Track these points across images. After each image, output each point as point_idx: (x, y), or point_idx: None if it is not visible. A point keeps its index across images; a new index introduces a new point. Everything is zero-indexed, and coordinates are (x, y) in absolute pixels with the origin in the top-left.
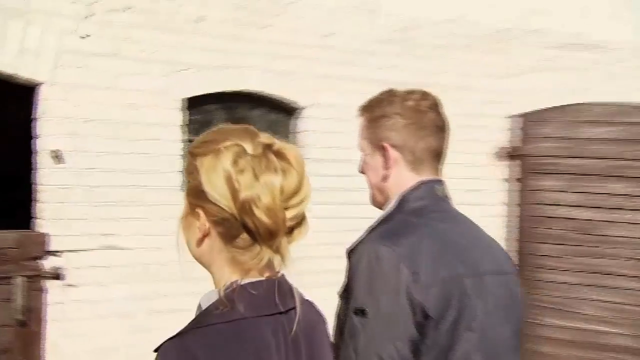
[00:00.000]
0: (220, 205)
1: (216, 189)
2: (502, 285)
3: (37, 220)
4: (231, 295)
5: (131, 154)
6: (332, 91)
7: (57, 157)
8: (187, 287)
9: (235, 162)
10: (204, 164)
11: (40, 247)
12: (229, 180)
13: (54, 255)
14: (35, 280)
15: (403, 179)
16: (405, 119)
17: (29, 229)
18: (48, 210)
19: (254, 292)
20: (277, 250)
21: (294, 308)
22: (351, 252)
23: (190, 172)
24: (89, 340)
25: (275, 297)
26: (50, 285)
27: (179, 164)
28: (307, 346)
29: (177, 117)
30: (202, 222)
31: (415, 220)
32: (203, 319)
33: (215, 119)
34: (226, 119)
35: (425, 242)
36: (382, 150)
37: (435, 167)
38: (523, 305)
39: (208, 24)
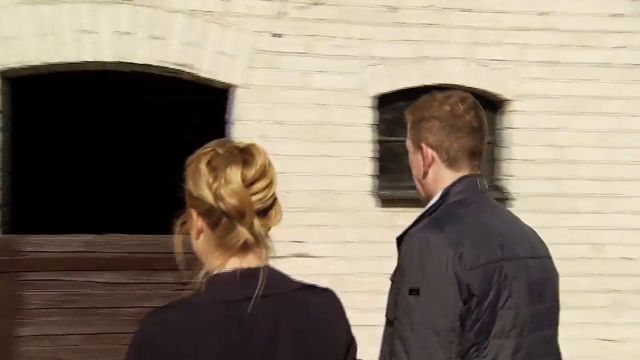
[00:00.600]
0: (202, 199)
1: (197, 186)
2: (538, 268)
3: None
4: (204, 283)
5: (322, 157)
6: (546, 81)
7: None
8: (378, 302)
9: (209, 162)
10: (189, 170)
11: None
12: (205, 176)
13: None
14: None
15: (440, 175)
16: (441, 121)
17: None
18: None
19: (219, 282)
20: (251, 230)
21: (270, 296)
22: (401, 240)
23: (183, 181)
24: None
25: (238, 287)
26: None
27: (369, 166)
28: (300, 335)
29: (368, 116)
30: (195, 219)
31: (458, 210)
32: (175, 301)
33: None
34: None
35: (468, 230)
36: (421, 149)
37: (473, 163)
38: (557, 284)
39: (402, 13)
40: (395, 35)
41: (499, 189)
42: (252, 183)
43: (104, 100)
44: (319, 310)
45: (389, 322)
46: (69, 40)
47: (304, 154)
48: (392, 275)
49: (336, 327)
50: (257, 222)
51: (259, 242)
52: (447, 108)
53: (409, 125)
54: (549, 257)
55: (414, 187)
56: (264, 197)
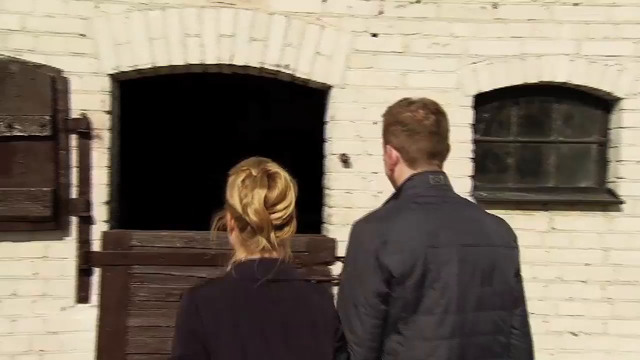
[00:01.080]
0: (234, 207)
1: (232, 196)
2: (484, 255)
3: (325, 225)
4: (232, 268)
5: None
6: None
7: (344, 161)
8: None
9: (243, 181)
10: (230, 180)
11: (330, 252)
12: (238, 191)
13: (342, 261)
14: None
15: (403, 172)
16: (403, 126)
17: (318, 233)
18: (336, 215)
19: (244, 267)
20: (268, 240)
21: (279, 280)
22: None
23: (226, 188)
24: None
25: (255, 271)
26: (335, 291)
27: (469, 167)
28: (295, 312)
29: (467, 116)
30: (229, 219)
31: (405, 203)
32: (211, 279)
33: (507, 117)
34: (521, 116)
35: (400, 219)
36: (388, 149)
37: (431, 162)
38: (508, 270)
39: (504, 9)
40: (497, 32)
41: (608, 191)
42: (273, 205)
43: (199, 101)
44: (313, 295)
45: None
46: (175, 43)
47: None
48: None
49: (326, 308)
50: (273, 235)
51: (274, 248)
52: (409, 114)
53: (382, 128)
54: (506, 246)
55: (514, 189)
56: (282, 216)
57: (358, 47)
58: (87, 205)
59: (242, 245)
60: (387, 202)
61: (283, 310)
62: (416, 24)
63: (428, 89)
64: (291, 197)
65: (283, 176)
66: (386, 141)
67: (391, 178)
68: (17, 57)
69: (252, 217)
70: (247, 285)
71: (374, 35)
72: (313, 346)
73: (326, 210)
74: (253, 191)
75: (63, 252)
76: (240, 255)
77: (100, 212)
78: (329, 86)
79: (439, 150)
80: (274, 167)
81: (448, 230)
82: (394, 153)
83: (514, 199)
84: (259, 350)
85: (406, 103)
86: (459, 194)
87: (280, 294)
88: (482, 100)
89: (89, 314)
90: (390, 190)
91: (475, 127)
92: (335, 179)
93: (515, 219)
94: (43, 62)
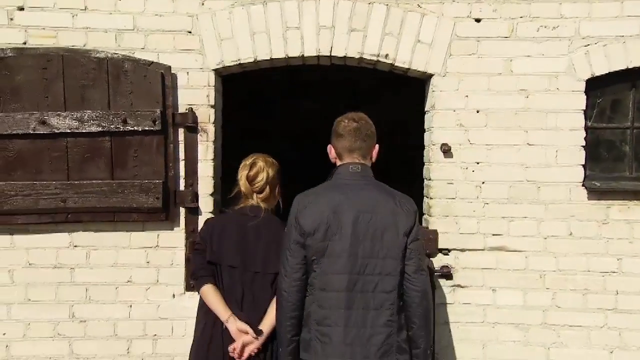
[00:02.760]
0: (239, 180)
1: (239, 173)
2: (373, 219)
3: (425, 216)
4: (234, 210)
5: (525, 146)
6: None
7: (446, 151)
8: (588, 302)
9: (244, 165)
10: (244, 162)
11: (432, 244)
12: (241, 171)
13: (443, 253)
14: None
15: (337, 163)
16: (335, 131)
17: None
18: (437, 206)
19: (240, 209)
20: (254, 200)
21: (257, 216)
22: None
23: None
24: (477, 347)
25: (247, 211)
26: (439, 284)
27: (581, 156)
28: (265, 233)
29: (579, 101)
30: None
31: (330, 183)
32: (219, 214)
33: (623, 101)
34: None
35: (321, 193)
36: (331, 148)
37: (353, 156)
38: (398, 232)
39: None
40: (612, 12)
41: None
42: (251, 180)
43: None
44: (279, 226)
45: None
46: (276, 36)
47: (504, 143)
48: None
49: (282, 230)
50: (256, 197)
51: (258, 204)
52: (341, 124)
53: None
54: (398, 214)
55: (631, 179)
56: (258, 186)
57: (460, 34)
58: (194, 196)
59: (244, 201)
60: (325, 182)
61: (256, 231)
62: (522, 7)
63: (535, 75)
64: (263, 175)
65: (259, 164)
66: (331, 141)
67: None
68: (130, 55)
69: (242, 187)
70: (241, 219)
71: (477, 20)
72: (274, 248)
73: (426, 202)
74: (242, 171)
75: (173, 241)
76: (239, 204)
77: (205, 203)
78: (429, 75)
79: (357, 147)
80: (258, 158)
81: (350, 202)
82: (332, 150)
83: (632, 189)
84: (232, 245)
85: (342, 116)
86: (373, 179)
87: (257, 223)
88: (595, 85)
89: (196, 302)
90: (492, 180)
91: (587, 113)
92: (435, 169)
93: (633, 211)
94: (153, 60)
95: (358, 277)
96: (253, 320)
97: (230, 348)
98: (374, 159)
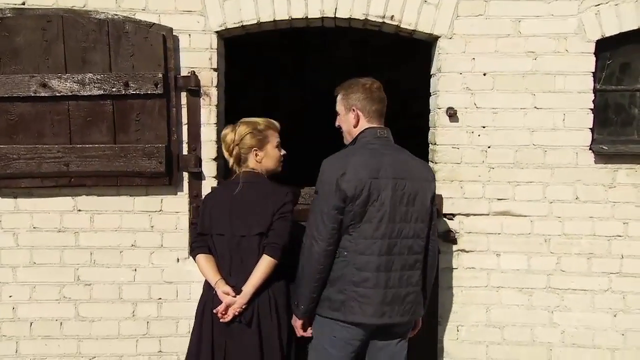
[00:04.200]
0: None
1: None
2: (407, 185)
3: None
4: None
5: (532, 110)
6: None
7: (452, 115)
8: (593, 266)
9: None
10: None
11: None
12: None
13: (448, 218)
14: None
15: (361, 127)
16: (364, 93)
17: None
18: (442, 171)
19: (229, 179)
20: (240, 168)
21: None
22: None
23: None
24: (480, 310)
25: (239, 180)
26: (443, 249)
27: (588, 119)
28: (249, 194)
29: (588, 63)
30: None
31: (358, 147)
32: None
33: (633, 63)
34: None
35: (354, 158)
36: (353, 111)
37: (381, 120)
38: (425, 196)
39: None
40: None
41: None
42: (229, 144)
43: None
44: (267, 189)
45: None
46: None
47: (511, 106)
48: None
49: (279, 194)
50: (237, 166)
51: (247, 171)
52: (371, 85)
53: (340, 98)
54: (425, 180)
55: (638, 142)
56: (237, 153)
57: None
58: (198, 161)
59: (235, 169)
60: (347, 147)
61: (240, 196)
62: None
63: (544, 36)
64: (229, 141)
65: (226, 131)
66: (349, 105)
67: (352, 132)
68: (131, 16)
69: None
70: (227, 187)
71: None
72: (257, 209)
73: (432, 166)
74: (227, 135)
75: (176, 206)
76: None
77: (209, 168)
78: (435, 37)
79: (383, 112)
80: (228, 126)
81: (386, 168)
82: (358, 112)
83: None
84: (219, 214)
85: (361, 80)
86: (396, 145)
87: (240, 189)
88: (604, 46)
89: None
90: (498, 144)
91: (596, 75)
92: (441, 133)
93: None
94: (154, 21)
95: (396, 241)
96: (241, 282)
97: (215, 310)
98: None
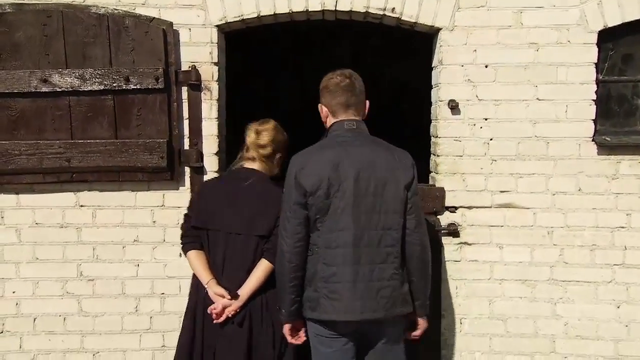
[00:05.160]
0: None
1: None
2: (373, 175)
3: (433, 173)
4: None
5: (534, 101)
6: None
7: (453, 107)
8: (596, 258)
9: (253, 123)
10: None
11: (439, 202)
12: (248, 128)
13: (450, 211)
14: (433, 235)
15: (330, 122)
16: (326, 88)
17: (426, 183)
18: (444, 163)
19: (233, 170)
20: (252, 159)
21: (249, 178)
22: None
23: None
24: (483, 303)
25: (244, 174)
26: (445, 242)
27: (591, 111)
28: (255, 194)
29: (590, 54)
30: None
31: (326, 141)
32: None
33: (636, 54)
34: None
35: (317, 152)
36: (322, 108)
37: (348, 112)
38: (398, 186)
39: None
40: None
41: None
42: (255, 145)
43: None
44: (274, 192)
45: None
46: None
47: (513, 98)
48: None
49: (276, 193)
50: (257, 154)
51: (255, 169)
52: (329, 80)
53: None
54: (397, 169)
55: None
56: (264, 153)
57: None
58: (199, 155)
59: (240, 162)
60: (319, 141)
61: (245, 193)
62: None
63: (546, 27)
64: (271, 132)
65: (271, 122)
66: (321, 101)
67: (326, 126)
68: (131, 11)
69: (247, 140)
70: (231, 179)
71: None
72: (262, 210)
73: (433, 159)
74: (251, 127)
75: (178, 201)
76: (237, 165)
77: (210, 162)
78: (437, 29)
79: (352, 102)
80: (272, 120)
81: (349, 158)
82: (325, 108)
83: None
84: (217, 208)
85: (331, 73)
86: (369, 135)
87: (248, 184)
88: (607, 37)
89: None
90: (500, 136)
91: (599, 66)
92: (442, 126)
93: None
94: (154, 16)
95: (363, 233)
96: (234, 283)
97: (210, 309)
98: (365, 115)
